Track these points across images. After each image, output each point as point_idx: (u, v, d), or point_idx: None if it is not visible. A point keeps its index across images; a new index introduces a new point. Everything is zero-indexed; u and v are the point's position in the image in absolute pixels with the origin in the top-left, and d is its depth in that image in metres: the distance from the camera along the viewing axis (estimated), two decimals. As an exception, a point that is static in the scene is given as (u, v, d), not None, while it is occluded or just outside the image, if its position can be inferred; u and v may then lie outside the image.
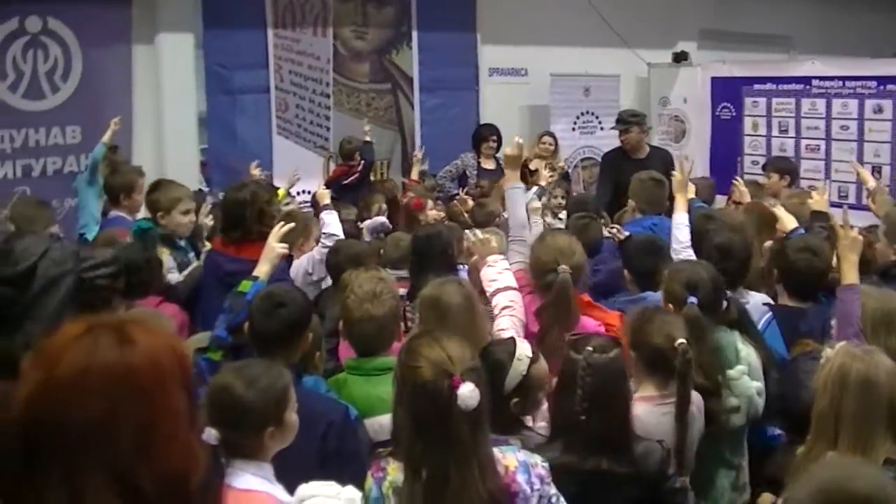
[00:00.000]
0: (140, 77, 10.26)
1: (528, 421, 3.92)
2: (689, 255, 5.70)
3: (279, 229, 4.92)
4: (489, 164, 10.85)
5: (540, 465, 3.11)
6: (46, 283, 5.44)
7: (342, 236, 6.21)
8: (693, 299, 4.48)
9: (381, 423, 3.95)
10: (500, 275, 4.98)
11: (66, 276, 5.45)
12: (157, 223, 6.32)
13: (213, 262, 5.70)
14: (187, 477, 1.77)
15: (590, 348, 3.56)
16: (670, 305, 4.59)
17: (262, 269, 4.71)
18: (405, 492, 2.98)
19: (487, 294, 4.88)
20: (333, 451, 3.60)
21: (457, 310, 4.37)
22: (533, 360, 3.81)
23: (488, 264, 5.05)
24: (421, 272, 5.62)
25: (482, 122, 11.92)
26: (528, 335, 4.64)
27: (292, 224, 5.08)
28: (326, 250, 6.00)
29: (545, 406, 4.19)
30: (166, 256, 6.05)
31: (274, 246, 4.81)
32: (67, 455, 1.65)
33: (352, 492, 3.26)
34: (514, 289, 4.90)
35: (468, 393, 2.85)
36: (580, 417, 3.48)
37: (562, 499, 3.13)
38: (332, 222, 6.21)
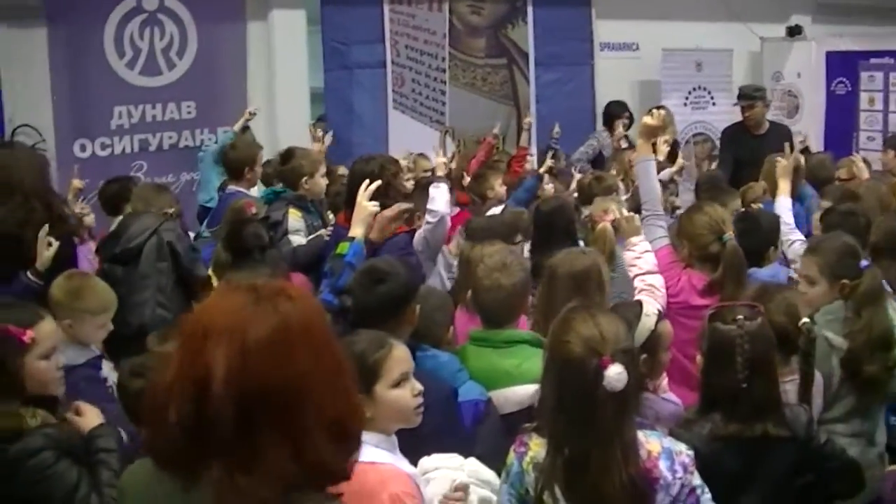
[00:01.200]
0: (254, 53, 10.40)
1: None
2: (798, 237, 5.62)
3: (365, 188, 4.85)
4: (622, 142, 10.62)
5: (685, 453, 2.99)
6: (155, 261, 5.58)
7: (447, 211, 6.09)
8: (865, 263, 4.45)
9: (506, 396, 3.96)
10: (639, 259, 4.96)
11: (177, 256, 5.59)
12: (297, 188, 6.36)
13: (338, 237, 5.69)
14: (361, 428, 1.90)
15: (741, 317, 3.49)
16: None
17: (357, 231, 4.66)
18: (546, 469, 2.91)
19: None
20: (432, 433, 3.47)
21: (582, 279, 4.37)
22: (660, 318, 3.88)
23: (629, 247, 4.99)
24: (543, 246, 5.56)
25: (597, 98, 11.85)
26: (675, 309, 4.67)
27: (378, 182, 4.98)
28: (431, 227, 5.91)
29: (665, 381, 4.18)
30: (297, 219, 6.10)
31: (365, 205, 4.74)
32: (282, 413, 1.73)
33: (475, 464, 3.30)
34: (654, 272, 4.89)
35: (615, 375, 2.77)
36: (742, 385, 3.41)
37: (707, 491, 3.01)
38: (437, 196, 5.98)
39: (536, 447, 3.00)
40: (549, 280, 4.49)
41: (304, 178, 6.32)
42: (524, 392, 3.87)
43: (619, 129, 10.73)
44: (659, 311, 4.08)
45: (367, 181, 4.94)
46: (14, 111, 9.42)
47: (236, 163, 7.22)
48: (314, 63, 10.85)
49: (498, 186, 7.82)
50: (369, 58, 10.97)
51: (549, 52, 11.91)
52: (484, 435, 3.78)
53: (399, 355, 3.27)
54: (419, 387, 3.26)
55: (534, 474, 2.97)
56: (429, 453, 3.31)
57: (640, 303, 4.02)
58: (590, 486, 2.82)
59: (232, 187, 7.18)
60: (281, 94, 10.39)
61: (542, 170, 8.23)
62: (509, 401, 3.94)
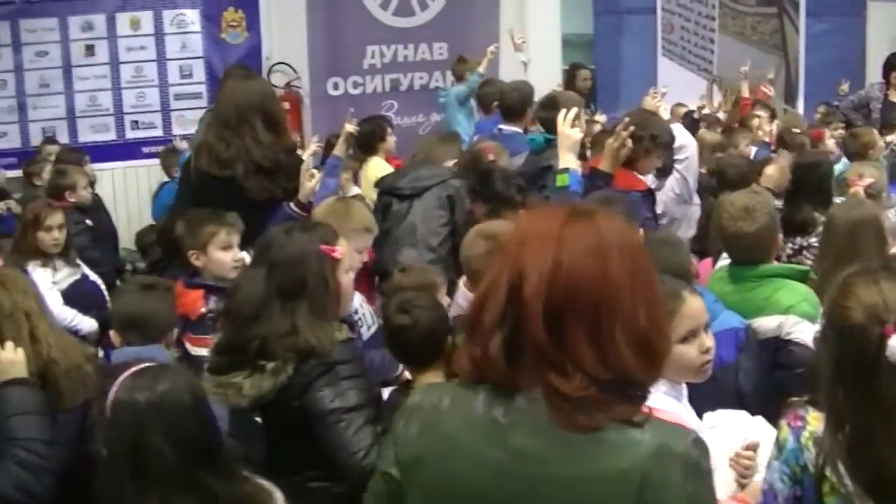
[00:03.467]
0: (506, -3, 10.30)
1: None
2: None
3: (564, 116, 4.65)
4: None
5: None
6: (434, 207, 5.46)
7: (693, 140, 5.81)
8: None
9: (754, 327, 3.91)
10: None
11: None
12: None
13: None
14: (665, 354, 1.96)
15: None
16: None
17: (568, 159, 4.56)
18: (825, 445, 2.63)
19: None
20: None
21: (859, 229, 4.24)
22: None
23: None
24: (795, 200, 5.40)
25: (867, 49, 11.32)
26: None
27: (575, 109, 4.76)
28: (685, 163, 5.61)
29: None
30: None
31: (568, 133, 4.60)
32: (591, 318, 1.84)
33: (762, 421, 3.17)
34: None
35: None
36: None
37: None
38: (678, 130, 5.70)
39: (815, 421, 2.72)
40: (825, 232, 4.45)
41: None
42: (772, 322, 3.86)
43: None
44: None
45: (565, 110, 4.74)
46: (271, 49, 9.73)
47: (517, 103, 7.04)
48: (574, 8, 10.77)
49: (743, 146, 7.59)
50: (639, 3, 10.93)
51: (821, 2, 11.45)
52: (746, 363, 3.76)
53: (690, 311, 3.13)
54: (708, 343, 3.12)
55: (814, 450, 2.69)
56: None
57: None
58: (876, 463, 2.54)
59: (508, 128, 7.00)
60: (532, 38, 10.15)
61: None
62: (757, 331, 3.88)
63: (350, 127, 6.83)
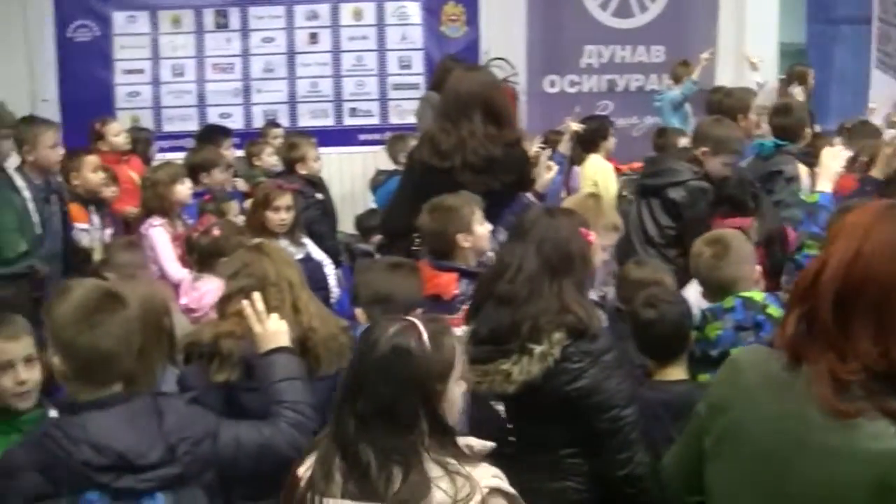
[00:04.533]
0: (725, 4, 10.15)
1: None
2: None
3: (830, 151, 4.65)
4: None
5: None
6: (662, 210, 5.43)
7: None
8: None
9: None
10: None
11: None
12: (797, 140, 5.98)
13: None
14: None
15: None
16: None
17: (826, 186, 4.49)
18: None
19: None
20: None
21: None
22: None
23: None
24: None
25: None
26: None
27: (846, 151, 4.75)
28: None
29: None
30: (807, 176, 5.79)
31: (829, 164, 4.54)
32: (879, 309, 1.89)
33: None
34: None
35: None
36: None
37: None
38: None
39: None
40: None
41: (807, 130, 5.94)
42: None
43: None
44: None
45: (839, 149, 4.78)
46: (490, 44, 9.83)
47: (729, 111, 6.91)
48: (788, 16, 10.53)
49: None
50: (855, 12, 10.57)
51: None
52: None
53: None
54: None
55: None
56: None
57: None
58: None
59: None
60: (749, 44, 10.03)
61: None
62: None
63: (576, 125, 6.84)
